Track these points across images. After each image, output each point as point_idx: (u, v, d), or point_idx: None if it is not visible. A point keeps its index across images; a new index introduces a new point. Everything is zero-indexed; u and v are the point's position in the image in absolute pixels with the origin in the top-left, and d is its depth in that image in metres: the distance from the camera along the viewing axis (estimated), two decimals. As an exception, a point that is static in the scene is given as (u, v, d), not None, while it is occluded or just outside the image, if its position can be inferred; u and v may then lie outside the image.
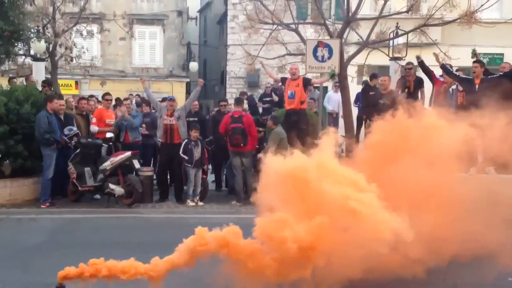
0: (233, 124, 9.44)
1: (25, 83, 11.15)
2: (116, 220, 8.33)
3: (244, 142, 9.37)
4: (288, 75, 9.98)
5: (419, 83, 10.88)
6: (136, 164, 9.57)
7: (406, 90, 10.69)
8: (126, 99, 11.29)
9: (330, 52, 10.01)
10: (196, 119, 10.83)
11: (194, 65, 23.37)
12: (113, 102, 11.22)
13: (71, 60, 14.47)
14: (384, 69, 13.95)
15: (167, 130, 9.69)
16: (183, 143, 9.62)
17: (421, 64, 9.89)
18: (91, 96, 11.70)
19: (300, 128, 9.48)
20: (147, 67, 23.00)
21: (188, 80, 23.87)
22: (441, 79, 10.69)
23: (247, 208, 9.46)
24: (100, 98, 11.68)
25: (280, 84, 11.11)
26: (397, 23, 12.36)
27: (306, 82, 9.51)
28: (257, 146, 10.69)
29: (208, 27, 30.33)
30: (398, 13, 11.28)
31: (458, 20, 10.11)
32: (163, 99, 11.87)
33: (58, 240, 7.01)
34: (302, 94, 9.45)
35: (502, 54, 17.56)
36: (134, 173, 9.67)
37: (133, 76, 22.39)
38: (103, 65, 21.46)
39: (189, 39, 24.86)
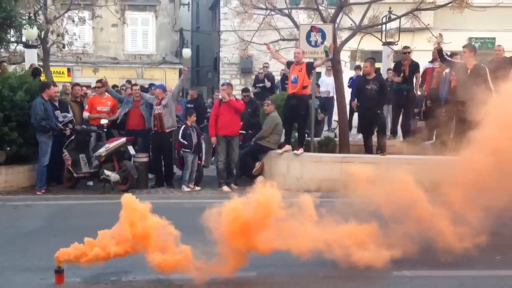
0: None
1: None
2: (112, 206, 8.31)
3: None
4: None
5: (415, 67, 10.96)
6: (131, 151, 9.62)
7: (402, 74, 10.77)
8: (135, 84, 11.29)
9: (323, 37, 10.01)
10: (193, 105, 11.00)
11: (187, 52, 23.28)
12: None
13: (63, 47, 14.43)
14: (377, 54, 14.03)
15: (156, 119, 9.76)
16: (182, 128, 9.72)
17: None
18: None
19: (299, 113, 9.52)
20: (139, 54, 22.91)
21: (181, 66, 23.77)
22: (430, 65, 10.79)
23: (241, 192, 9.59)
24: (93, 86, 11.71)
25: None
26: (390, 8, 12.40)
27: (310, 67, 9.48)
28: (250, 132, 10.80)
29: (201, 13, 30.18)
30: (391, -3, 11.30)
31: (450, 4, 10.14)
32: (150, 85, 12.04)
33: (55, 226, 7.07)
34: (305, 79, 9.43)
35: (494, 38, 17.70)
36: (130, 159, 9.71)
37: (126, 63, 22.31)
38: (96, 52, 21.34)
39: (181, 25, 24.72)
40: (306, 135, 10.34)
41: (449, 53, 10.19)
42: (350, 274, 4.96)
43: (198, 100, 11.94)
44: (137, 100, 10.28)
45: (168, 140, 9.80)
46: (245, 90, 11.92)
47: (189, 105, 11.06)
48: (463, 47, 9.28)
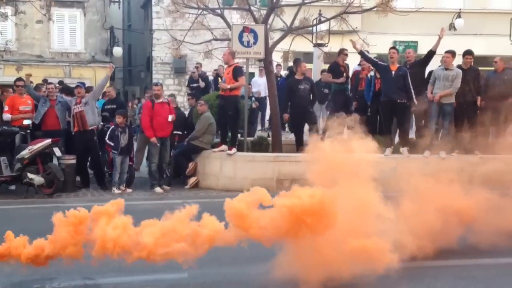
0: None
1: None
2: (36, 210, 7.98)
3: None
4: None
5: (347, 68, 11.30)
6: (57, 152, 9.21)
7: (344, 74, 11.04)
8: (50, 83, 10.85)
9: (256, 37, 10.11)
10: (114, 106, 10.65)
11: (118, 50, 22.59)
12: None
13: (-17, 44, 13.62)
14: (309, 55, 14.34)
15: (76, 118, 9.46)
16: (110, 129, 9.48)
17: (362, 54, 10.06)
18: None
19: (227, 113, 9.61)
20: (67, 52, 21.96)
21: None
22: (358, 67, 11.18)
23: (174, 193, 9.49)
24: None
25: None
26: (320, 10, 12.72)
27: (235, 73, 9.50)
28: (185, 132, 10.69)
29: (132, 11, 29.46)
30: (321, 0, 11.56)
31: (375, 9, 10.55)
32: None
33: (-27, 233, 6.62)
34: (232, 82, 9.53)
35: (416, 42, 18.60)
36: (56, 161, 9.31)
37: (52, 61, 21.34)
38: (19, 50, 20.26)
39: (112, 23, 23.98)
40: (240, 135, 10.39)
41: (376, 55, 10.62)
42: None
43: (118, 99, 11.59)
44: (53, 99, 9.90)
45: (92, 139, 9.54)
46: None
47: (109, 106, 10.72)
48: (391, 48, 9.74)
